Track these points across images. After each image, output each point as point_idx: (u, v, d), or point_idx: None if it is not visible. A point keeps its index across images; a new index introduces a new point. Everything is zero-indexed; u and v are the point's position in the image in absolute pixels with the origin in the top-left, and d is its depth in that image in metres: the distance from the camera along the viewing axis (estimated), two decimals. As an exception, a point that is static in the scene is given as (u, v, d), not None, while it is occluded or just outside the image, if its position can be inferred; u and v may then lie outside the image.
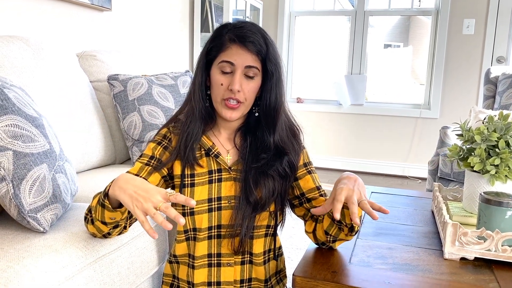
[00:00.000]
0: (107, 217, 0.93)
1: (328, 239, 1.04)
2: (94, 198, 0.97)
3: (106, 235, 1.03)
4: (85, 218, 1.01)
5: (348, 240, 1.05)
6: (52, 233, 1.03)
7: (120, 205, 0.93)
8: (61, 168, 1.11)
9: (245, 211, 1.03)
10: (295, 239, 2.27)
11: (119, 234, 1.05)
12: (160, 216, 0.81)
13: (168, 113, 1.84)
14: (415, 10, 3.70)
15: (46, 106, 1.53)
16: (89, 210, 0.99)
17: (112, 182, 0.90)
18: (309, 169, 1.11)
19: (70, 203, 1.15)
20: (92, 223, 0.98)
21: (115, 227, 0.99)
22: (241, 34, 0.99)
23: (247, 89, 1.01)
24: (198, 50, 3.29)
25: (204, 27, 3.30)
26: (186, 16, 3.24)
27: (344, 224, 0.99)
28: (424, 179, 3.54)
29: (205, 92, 1.06)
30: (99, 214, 0.93)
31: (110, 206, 0.91)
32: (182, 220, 0.80)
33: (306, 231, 1.10)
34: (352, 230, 1.00)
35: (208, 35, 3.30)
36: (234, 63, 0.99)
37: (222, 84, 1.00)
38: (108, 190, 0.90)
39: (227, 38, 1.01)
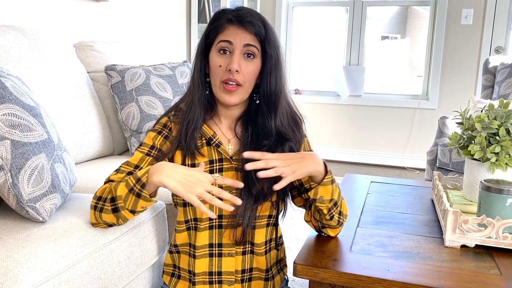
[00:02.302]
0: (140, 206, 0.94)
1: (318, 224, 1.05)
2: (117, 187, 0.94)
3: (112, 224, 1.03)
4: (95, 207, 0.99)
5: (335, 227, 1.04)
6: (51, 223, 1.02)
7: (153, 195, 0.95)
8: (60, 157, 1.10)
9: (247, 202, 1.02)
10: (294, 230, 2.27)
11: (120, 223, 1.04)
12: (218, 200, 0.88)
13: (166, 104, 1.83)
14: (413, 0, 3.68)
15: (43, 97, 1.52)
16: (99, 198, 0.98)
17: (148, 172, 0.91)
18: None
19: (69, 193, 1.14)
20: (115, 211, 0.96)
21: None
22: (239, 14, 1.00)
23: (246, 71, 0.99)
24: (195, 40, 3.26)
25: (201, 18, 3.28)
26: (184, 6, 3.22)
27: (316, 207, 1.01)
28: (422, 170, 3.54)
29: (205, 79, 1.05)
30: (131, 203, 0.93)
31: (148, 195, 0.91)
32: (239, 201, 0.90)
33: (305, 220, 1.10)
34: (323, 214, 1.00)
35: (205, 25, 3.28)
36: (232, 42, 0.98)
37: (220, 66, 0.99)
38: (145, 179, 0.90)
39: (224, 19, 1.01)
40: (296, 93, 3.86)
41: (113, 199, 0.95)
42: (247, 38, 0.99)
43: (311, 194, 0.98)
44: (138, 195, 0.92)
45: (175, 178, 0.89)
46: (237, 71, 0.98)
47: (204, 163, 0.95)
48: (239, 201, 0.90)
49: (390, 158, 3.66)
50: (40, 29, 1.68)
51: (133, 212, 0.95)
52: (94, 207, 1.00)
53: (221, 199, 0.91)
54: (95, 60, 1.93)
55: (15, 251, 0.88)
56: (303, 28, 4.07)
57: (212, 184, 0.91)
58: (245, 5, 3.54)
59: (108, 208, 0.97)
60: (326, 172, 0.97)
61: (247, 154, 0.93)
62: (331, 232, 1.06)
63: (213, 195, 0.89)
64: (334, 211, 1.00)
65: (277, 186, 0.92)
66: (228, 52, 0.99)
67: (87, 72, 1.89)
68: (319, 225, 1.05)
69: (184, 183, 0.88)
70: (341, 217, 1.03)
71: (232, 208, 0.90)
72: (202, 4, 3.27)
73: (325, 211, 0.99)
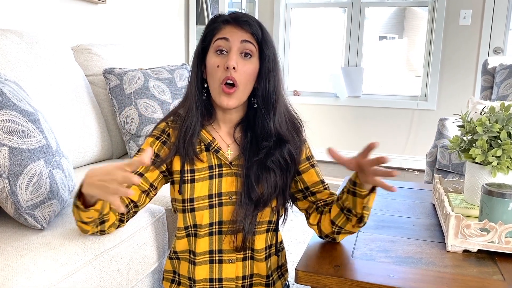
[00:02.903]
0: (84, 217, 0.90)
1: (334, 229, 1.02)
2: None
3: (99, 233, 1.00)
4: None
5: (353, 233, 1.03)
6: (50, 230, 1.01)
7: (95, 203, 0.88)
8: (58, 164, 1.09)
9: (247, 209, 1.01)
10: (293, 233, 2.27)
11: (116, 228, 1.03)
12: (129, 190, 0.77)
13: (165, 107, 1.82)
14: (411, 1, 3.68)
15: (41, 101, 1.51)
16: None
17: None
18: (312, 162, 1.10)
19: (68, 199, 1.13)
20: (76, 224, 0.95)
21: (102, 222, 0.95)
22: (235, 15, 1.00)
23: (243, 70, 0.98)
24: (193, 43, 3.26)
25: (199, 20, 3.27)
26: (182, 8, 3.21)
27: (354, 213, 0.97)
28: (421, 171, 3.54)
29: (201, 85, 1.04)
30: (77, 215, 0.90)
31: (82, 206, 0.87)
32: (136, 179, 0.76)
33: (310, 224, 1.08)
34: (360, 221, 0.98)
35: (204, 28, 3.27)
36: (229, 38, 0.98)
37: (218, 66, 0.99)
38: (81, 189, 0.86)
39: (221, 21, 1.01)
40: (294, 95, 3.85)
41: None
42: (244, 35, 0.99)
43: (365, 201, 0.93)
44: (76, 206, 0.88)
45: (94, 184, 0.81)
46: (234, 68, 0.97)
47: (150, 149, 0.81)
48: (136, 180, 0.76)
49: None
50: (37, 32, 1.67)
51: (85, 223, 0.92)
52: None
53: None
54: (93, 63, 1.92)
55: (14, 260, 0.87)
56: (301, 29, 4.07)
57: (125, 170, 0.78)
58: (244, 5, 3.53)
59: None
60: None
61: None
62: (340, 238, 1.04)
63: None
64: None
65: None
66: (225, 52, 0.99)
67: (85, 76, 1.88)
68: (335, 230, 1.01)
69: (101, 185, 0.80)
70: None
71: (138, 181, 0.77)
72: (200, 6, 3.26)
73: (366, 219, 0.97)
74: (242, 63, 0.99)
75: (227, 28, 0.99)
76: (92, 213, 0.89)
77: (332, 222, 1.02)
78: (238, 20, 0.99)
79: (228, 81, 0.98)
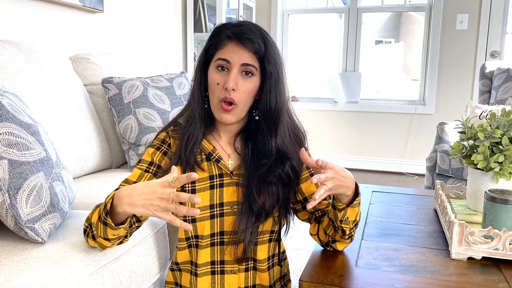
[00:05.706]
0: (110, 234, 0.91)
1: (328, 239, 1.03)
2: (93, 212, 0.94)
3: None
4: (85, 231, 0.98)
5: (347, 244, 1.03)
6: (51, 244, 1.00)
7: (123, 222, 0.91)
8: (58, 175, 1.08)
9: (248, 220, 1.00)
10: (294, 240, 2.26)
11: (119, 243, 1.02)
12: (182, 207, 0.81)
13: (164, 116, 1.81)
14: (408, 6, 3.70)
15: (40, 111, 1.50)
16: (90, 224, 0.95)
17: (113, 200, 0.88)
18: (312, 172, 1.09)
19: (68, 211, 1.12)
20: (94, 238, 0.95)
21: (122, 238, 0.97)
22: (239, 31, 0.97)
23: (242, 89, 0.97)
24: (191, 50, 3.26)
25: (197, 27, 3.27)
26: (179, 16, 3.21)
27: (336, 226, 0.98)
28: (420, 175, 3.53)
29: (204, 94, 1.04)
30: (101, 231, 0.91)
31: (112, 224, 0.89)
32: (197, 199, 0.79)
33: (311, 234, 1.08)
34: (343, 233, 0.98)
35: (201, 35, 3.27)
36: (230, 61, 0.97)
37: (218, 84, 0.98)
38: (110, 207, 0.88)
39: (224, 35, 0.99)
40: (293, 100, 3.85)
41: (91, 224, 0.94)
42: (245, 57, 0.97)
43: (340, 215, 0.95)
44: (105, 224, 0.89)
45: (137, 203, 0.83)
46: (233, 89, 0.96)
47: (176, 168, 0.84)
48: (197, 200, 0.79)
49: (388, 164, 3.66)
50: (35, 42, 1.66)
51: (107, 239, 0.92)
52: (84, 231, 0.98)
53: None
54: (92, 72, 1.92)
55: (14, 275, 0.86)
56: (298, 35, 4.07)
57: (172, 182, 0.81)
58: (241, 13, 3.54)
59: (90, 233, 0.95)
60: (356, 194, 0.95)
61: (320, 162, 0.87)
62: (339, 247, 1.04)
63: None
64: (354, 230, 1.00)
65: (311, 204, 0.85)
66: (226, 69, 0.98)
67: (84, 85, 1.88)
68: (329, 240, 1.03)
69: (147, 204, 0.82)
70: (354, 233, 1.02)
71: (197, 212, 0.81)
72: (198, 13, 3.27)
73: (347, 232, 0.98)
74: (241, 82, 0.98)
75: (230, 47, 0.97)
76: (121, 231, 0.91)
77: (325, 232, 1.03)
78: (241, 37, 0.96)
79: (227, 101, 0.97)
